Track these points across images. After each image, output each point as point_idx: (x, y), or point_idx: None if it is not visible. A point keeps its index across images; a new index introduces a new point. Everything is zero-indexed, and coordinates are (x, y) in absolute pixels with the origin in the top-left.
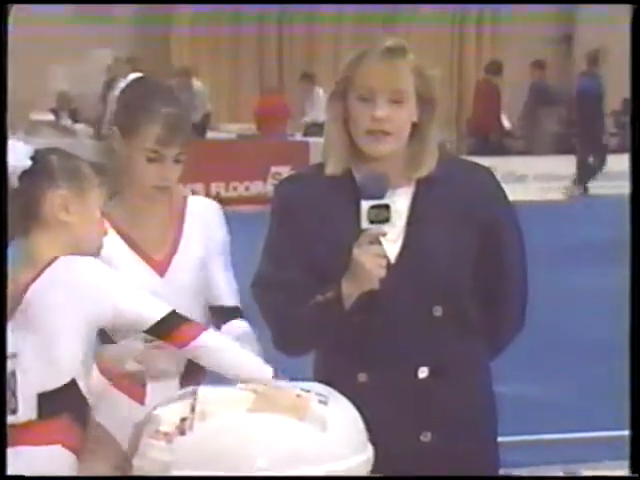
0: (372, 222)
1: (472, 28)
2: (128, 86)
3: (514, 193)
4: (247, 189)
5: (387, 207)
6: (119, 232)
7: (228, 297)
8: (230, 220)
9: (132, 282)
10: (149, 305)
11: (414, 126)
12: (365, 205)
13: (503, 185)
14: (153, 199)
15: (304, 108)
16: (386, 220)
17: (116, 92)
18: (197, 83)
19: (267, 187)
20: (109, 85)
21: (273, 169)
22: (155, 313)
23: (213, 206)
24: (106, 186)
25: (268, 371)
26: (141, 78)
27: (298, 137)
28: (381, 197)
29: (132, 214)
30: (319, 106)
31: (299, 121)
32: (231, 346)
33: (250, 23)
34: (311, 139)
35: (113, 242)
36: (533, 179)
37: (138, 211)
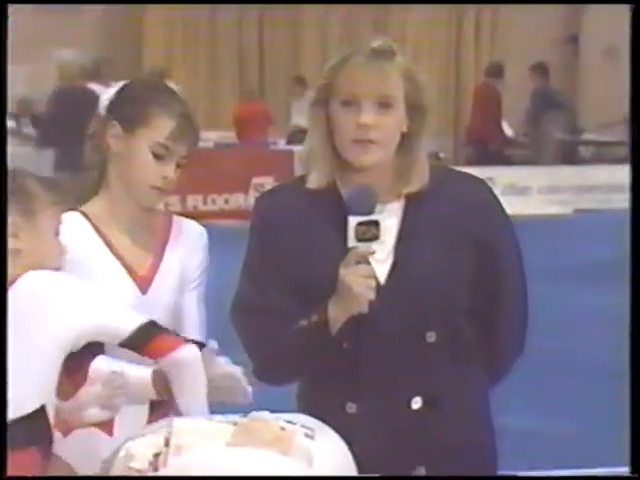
0: (360, 240)
1: (470, 28)
2: (130, 83)
3: (516, 206)
4: (227, 202)
5: (376, 224)
6: (102, 236)
7: (197, 332)
8: (208, 235)
9: (106, 293)
10: (124, 315)
11: (403, 137)
12: (352, 221)
13: (504, 198)
14: (147, 202)
15: (291, 114)
16: (375, 238)
17: (111, 90)
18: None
19: (248, 200)
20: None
21: (255, 180)
22: (132, 323)
23: (199, 231)
24: (72, 198)
25: (247, 393)
26: (141, 79)
27: (281, 145)
28: (369, 213)
29: (117, 218)
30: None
31: (284, 127)
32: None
33: (229, 24)
34: (296, 147)
35: (94, 246)
36: (536, 191)
37: (125, 215)
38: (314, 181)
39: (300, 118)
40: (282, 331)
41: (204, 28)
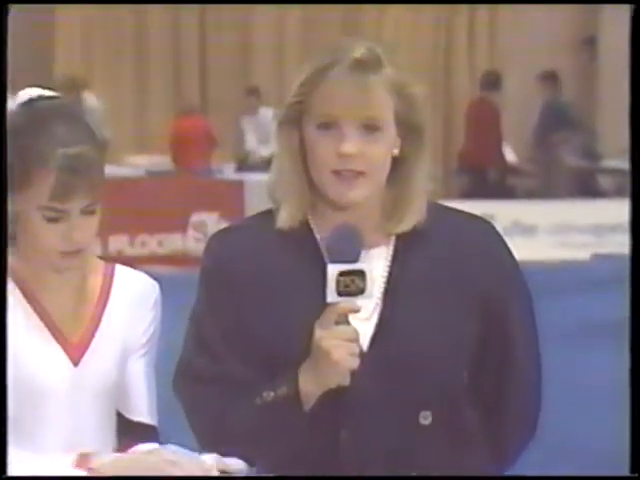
0: (341, 294)
1: (462, 31)
2: (16, 113)
3: (520, 250)
4: (160, 244)
5: (362, 274)
6: (26, 295)
7: (146, 411)
8: None
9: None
10: None
11: (395, 162)
12: (332, 271)
13: (506, 239)
14: (62, 268)
15: (242, 133)
16: (360, 292)
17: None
18: (90, 99)
19: (187, 242)
20: None
21: (195, 217)
22: None
23: (149, 286)
24: None
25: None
26: (30, 101)
27: (229, 173)
28: (354, 260)
29: (39, 277)
30: (264, 132)
31: (233, 150)
32: None
33: (163, 25)
34: (247, 176)
35: (19, 306)
36: (546, 231)
37: (46, 276)
38: (284, 219)
39: (253, 138)
40: (241, 406)
41: (130, 29)
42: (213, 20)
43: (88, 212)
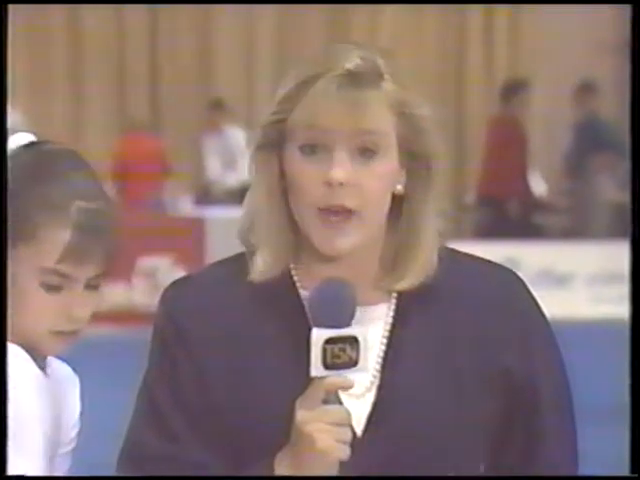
0: (329, 367)
1: (477, 33)
2: (19, 155)
3: (551, 304)
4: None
5: (354, 342)
6: None
7: None
8: (69, 348)
9: None
10: None
11: (396, 200)
12: (318, 337)
13: (534, 292)
14: (49, 350)
15: (203, 157)
16: (353, 364)
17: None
18: (13, 116)
19: (133, 293)
20: None
21: (143, 262)
22: None
23: (70, 378)
24: None
25: None
26: (35, 144)
27: (186, 207)
28: (344, 324)
29: None
30: (230, 155)
31: (191, 178)
32: None
33: (103, 21)
34: (209, 211)
35: None
36: (583, 281)
37: None
38: (260, 269)
39: (216, 163)
40: None
41: (62, 25)
42: (167, 17)
43: (93, 286)
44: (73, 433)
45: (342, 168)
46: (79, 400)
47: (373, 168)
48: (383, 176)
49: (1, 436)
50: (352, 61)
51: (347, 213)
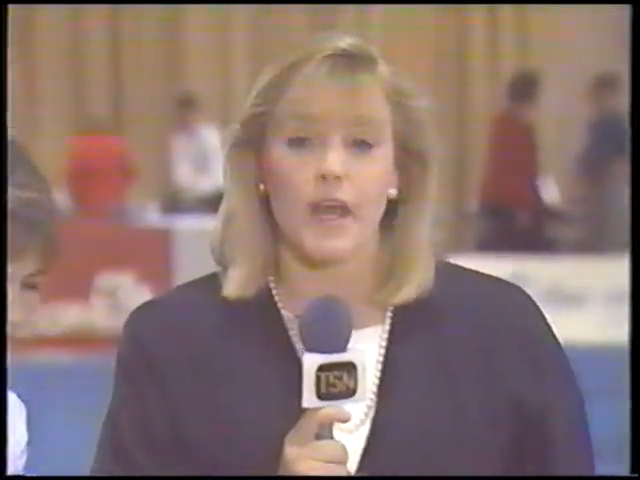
0: (323, 397)
1: (481, 27)
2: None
3: (565, 326)
4: (52, 318)
5: (352, 368)
6: None
7: None
8: (18, 376)
9: None
10: None
11: (389, 206)
12: (310, 364)
13: (545, 310)
14: None
15: (170, 160)
16: (350, 393)
17: None
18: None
19: (91, 314)
20: None
21: (102, 279)
22: None
23: (17, 407)
24: None
25: None
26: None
27: (151, 217)
28: (340, 349)
29: None
30: (202, 159)
31: (157, 185)
32: None
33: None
34: (178, 221)
35: None
36: (601, 301)
37: None
38: (235, 285)
39: (186, 167)
40: None
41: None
42: (131, 14)
43: (29, 285)
44: (20, 463)
45: (338, 160)
46: (25, 429)
47: (369, 162)
48: (380, 171)
49: (1, 436)
50: (345, 41)
51: (342, 210)
